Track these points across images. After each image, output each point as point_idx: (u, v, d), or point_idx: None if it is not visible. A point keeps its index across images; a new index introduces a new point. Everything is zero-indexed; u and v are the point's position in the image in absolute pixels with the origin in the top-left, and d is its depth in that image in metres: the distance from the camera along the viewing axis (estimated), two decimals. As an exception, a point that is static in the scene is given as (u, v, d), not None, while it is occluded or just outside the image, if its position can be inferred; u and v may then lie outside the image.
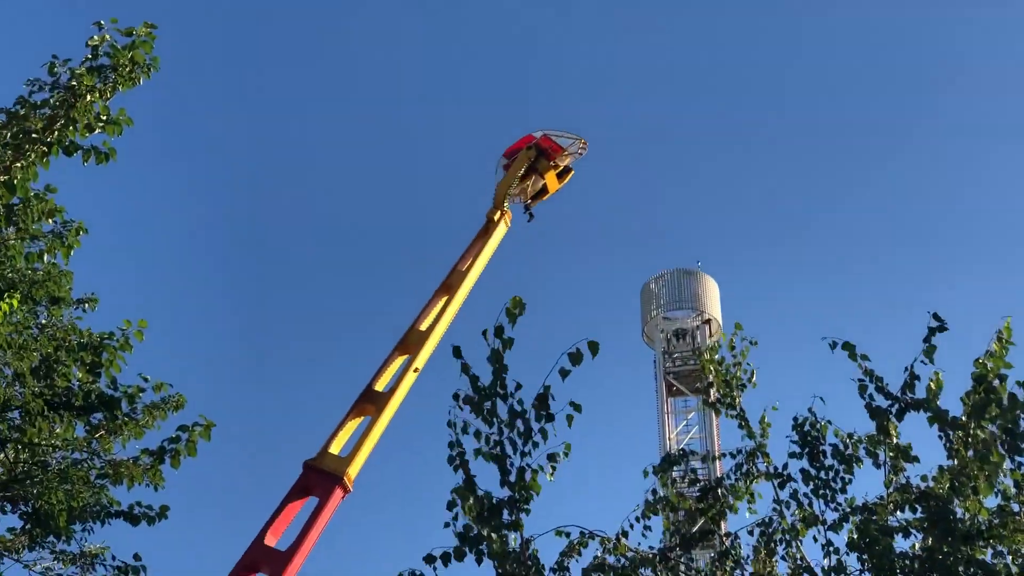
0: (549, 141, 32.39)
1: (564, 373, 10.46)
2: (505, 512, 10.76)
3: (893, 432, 12.03)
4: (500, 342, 10.65)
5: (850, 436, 12.44)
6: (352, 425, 22.23)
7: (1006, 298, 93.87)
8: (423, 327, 22.71)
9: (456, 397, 10.66)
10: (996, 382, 11.50)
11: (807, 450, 12.56)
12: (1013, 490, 12.15)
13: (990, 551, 11.66)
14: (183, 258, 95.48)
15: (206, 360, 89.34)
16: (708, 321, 51.72)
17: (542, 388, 10.60)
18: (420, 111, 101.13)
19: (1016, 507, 12.09)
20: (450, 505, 10.69)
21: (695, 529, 13.10)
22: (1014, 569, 11.45)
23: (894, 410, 11.83)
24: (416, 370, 20.90)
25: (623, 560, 12.63)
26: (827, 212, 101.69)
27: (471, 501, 10.66)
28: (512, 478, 10.68)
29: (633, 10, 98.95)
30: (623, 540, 12.89)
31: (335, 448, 21.79)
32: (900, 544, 11.86)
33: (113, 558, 14.83)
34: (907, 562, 11.58)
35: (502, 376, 10.70)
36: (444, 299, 25.76)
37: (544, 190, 31.36)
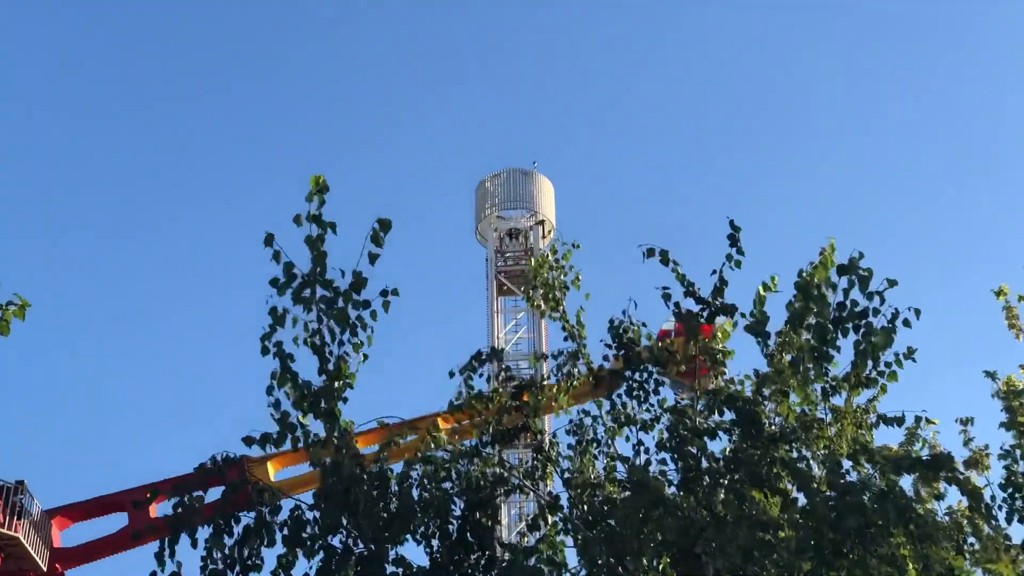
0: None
1: (373, 257, 10.44)
2: (323, 401, 10.78)
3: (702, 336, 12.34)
4: (317, 227, 10.53)
5: (657, 341, 12.71)
6: None
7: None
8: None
9: (274, 283, 10.56)
10: (816, 292, 11.83)
11: (622, 352, 12.81)
12: (819, 397, 12.59)
13: (795, 454, 12.09)
14: None
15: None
16: (542, 222, 52.04)
17: (353, 275, 10.54)
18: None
19: (821, 413, 12.55)
20: (269, 390, 10.66)
21: (509, 425, 13.27)
22: (816, 470, 11.87)
23: (704, 315, 12.10)
24: None
25: (442, 452, 12.76)
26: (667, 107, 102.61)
27: (289, 386, 10.64)
28: (331, 367, 10.69)
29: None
30: (442, 433, 13.03)
31: None
32: (710, 445, 12.23)
33: None
34: (715, 464, 11.94)
35: (322, 263, 10.59)
36: None
37: None
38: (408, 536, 11.65)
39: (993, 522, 10.77)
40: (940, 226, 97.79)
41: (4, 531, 33.21)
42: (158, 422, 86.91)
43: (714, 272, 11.98)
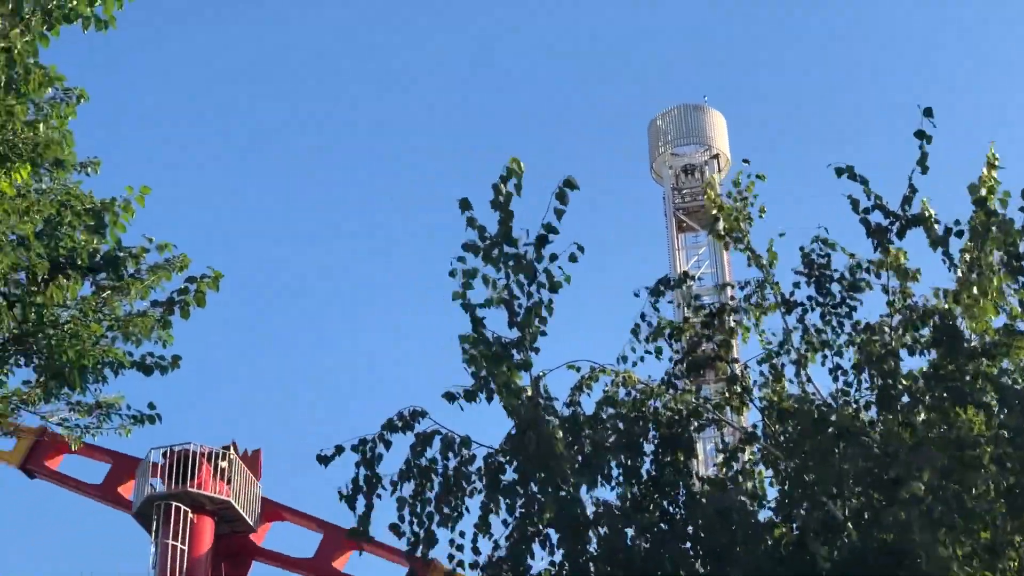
0: None
1: (559, 213, 10.62)
2: (515, 353, 10.94)
3: (894, 253, 12.02)
4: (503, 192, 10.78)
5: (852, 256, 12.43)
6: None
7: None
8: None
9: (466, 247, 10.83)
10: (996, 205, 11.50)
11: (814, 277, 12.57)
12: (1019, 309, 12.20)
13: (996, 369, 11.73)
14: (183, 127, 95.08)
15: (209, 225, 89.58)
16: (716, 156, 51.42)
17: (541, 229, 10.74)
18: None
19: (1021, 325, 12.16)
20: (464, 352, 10.89)
21: (701, 352, 13.14)
22: (1020, 384, 11.52)
23: (894, 228, 11.78)
24: None
25: (634, 392, 12.71)
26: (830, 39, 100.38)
27: (480, 346, 10.85)
28: (519, 318, 10.83)
29: None
30: (632, 373, 12.96)
31: None
32: (907, 364, 11.95)
33: (128, 407, 15.08)
34: (913, 382, 11.67)
35: (508, 224, 10.85)
36: None
37: None
38: (601, 479, 11.72)
39: None
40: None
41: (216, 495, 34.38)
42: (351, 385, 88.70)
43: (909, 181, 11.63)
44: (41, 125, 14.01)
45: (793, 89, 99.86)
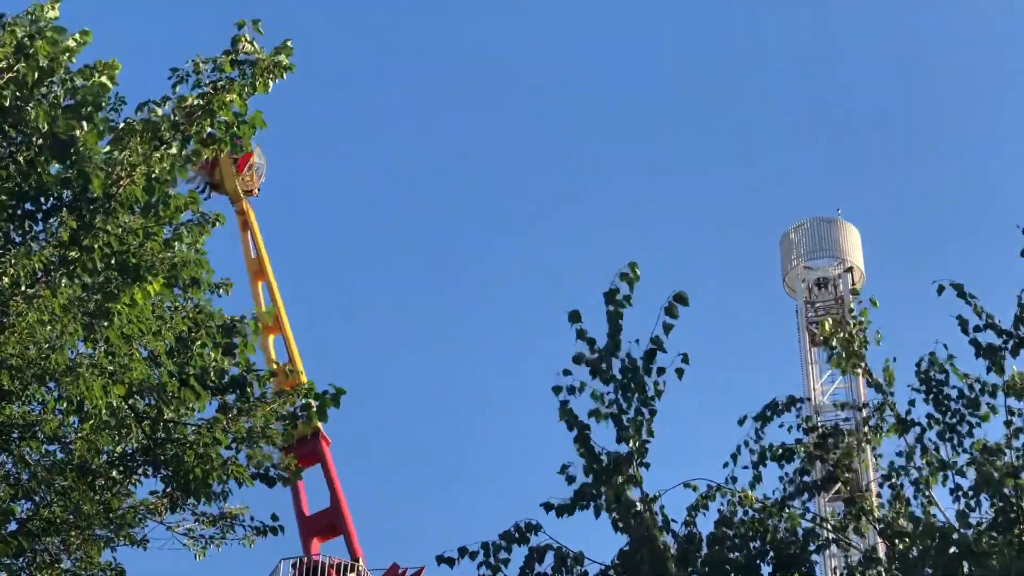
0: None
1: (667, 327, 10.68)
2: (623, 468, 10.98)
3: (1016, 373, 11.91)
4: (614, 305, 10.88)
5: (967, 376, 12.32)
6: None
7: None
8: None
9: (579, 359, 10.91)
10: None
11: (932, 395, 12.47)
12: None
13: None
14: (312, 250, 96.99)
15: (335, 341, 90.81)
16: (850, 269, 51.02)
17: (650, 343, 10.81)
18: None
19: None
20: (563, 468, 10.95)
21: (816, 477, 13.06)
22: None
23: (1009, 346, 11.70)
24: None
25: (751, 512, 12.65)
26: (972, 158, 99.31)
27: (589, 457, 10.90)
28: (627, 432, 10.88)
29: None
30: (750, 492, 12.92)
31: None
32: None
33: (252, 518, 15.46)
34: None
35: (618, 337, 10.91)
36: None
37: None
38: None
39: None
40: None
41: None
42: (455, 492, 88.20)
43: (1019, 297, 11.60)
44: (176, 244, 14.58)
45: (931, 202, 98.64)
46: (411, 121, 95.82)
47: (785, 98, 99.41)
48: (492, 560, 11.48)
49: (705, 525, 12.39)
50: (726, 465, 12.96)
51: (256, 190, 41.54)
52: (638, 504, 11.12)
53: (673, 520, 11.87)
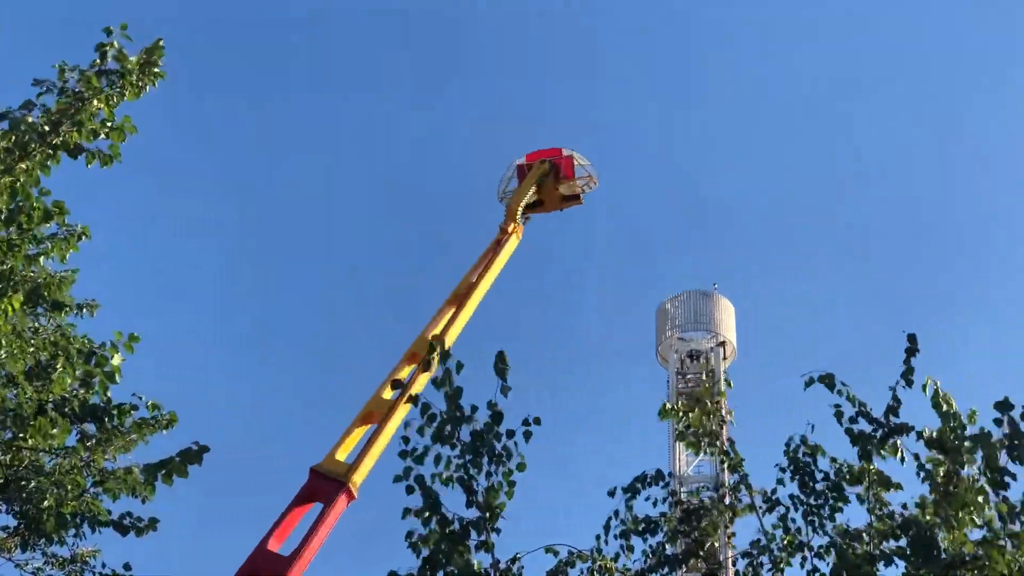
0: (568, 163, 32.85)
1: (505, 390, 10.61)
2: (474, 534, 10.79)
3: (878, 459, 12.04)
4: (450, 387, 10.82)
5: (834, 460, 12.44)
6: (359, 432, 22.18)
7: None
8: (432, 335, 22.76)
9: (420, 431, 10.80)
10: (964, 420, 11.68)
11: (798, 476, 12.55)
12: (998, 523, 12.16)
13: None
14: (187, 265, 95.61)
15: (205, 366, 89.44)
16: (723, 343, 51.63)
17: (491, 409, 10.71)
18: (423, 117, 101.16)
19: (1003, 541, 12.10)
20: (408, 535, 10.74)
21: (679, 551, 13.07)
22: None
23: (878, 435, 11.84)
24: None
25: None
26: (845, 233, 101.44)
27: (434, 524, 10.68)
28: (479, 498, 10.72)
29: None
30: (609, 561, 12.86)
31: (341, 455, 21.74)
32: (884, 573, 11.85)
33: (103, 565, 14.89)
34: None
35: (456, 400, 10.80)
36: (453, 309, 25.89)
37: (540, 204, 32.07)
38: None
39: None
40: None
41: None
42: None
43: (891, 388, 11.77)
44: (41, 259, 14.09)
45: (804, 279, 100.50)
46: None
47: (666, 175, 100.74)
48: None
49: None
50: (599, 537, 12.91)
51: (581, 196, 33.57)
52: (489, 572, 10.96)
53: None
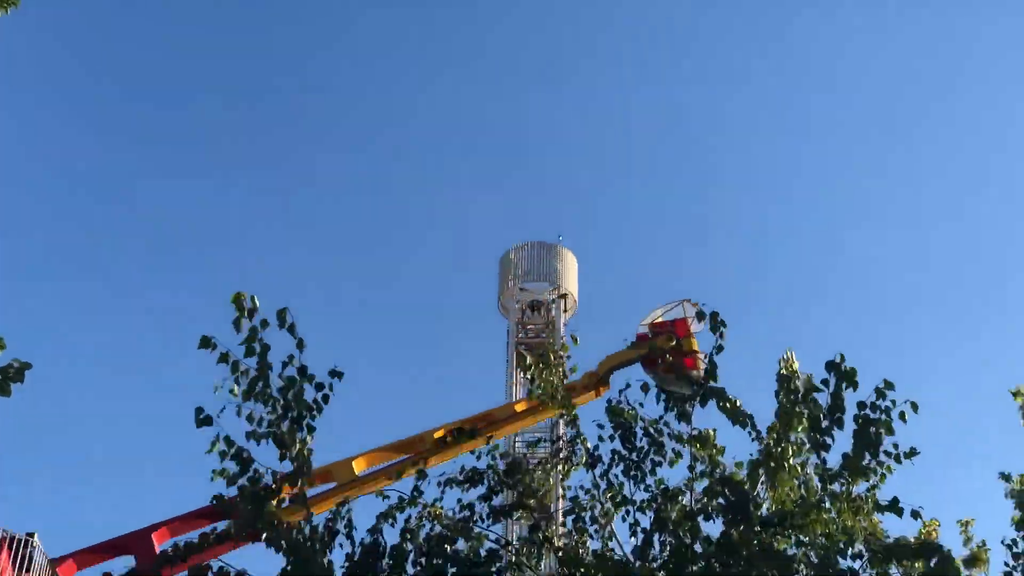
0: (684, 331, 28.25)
1: (300, 344, 10.74)
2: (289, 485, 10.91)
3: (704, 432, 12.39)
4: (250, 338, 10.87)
5: (655, 422, 12.74)
6: None
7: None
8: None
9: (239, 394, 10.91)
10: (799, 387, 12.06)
11: (619, 432, 12.83)
12: (817, 485, 12.60)
13: (794, 541, 12.05)
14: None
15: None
16: (564, 295, 52.09)
17: (289, 360, 10.80)
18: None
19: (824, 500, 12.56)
20: (214, 498, 10.78)
21: (505, 502, 13.28)
22: (814, 559, 11.77)
23: (698, 398, 12.15)
24: None
25: (438, 528, 12.71)
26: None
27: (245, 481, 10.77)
28: (293, 453, 10.81)
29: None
30: (439, 507, 13.01)
31: None
32: (706, 528, 12.19)
33: None
34: (708, 546, 11.89)
35: (265, 357, 10.84)
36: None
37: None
38: None
39: None
40: (952, 325, 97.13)
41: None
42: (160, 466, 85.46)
43: (706, 356, 12.08)
44: None
45: (647, 232, 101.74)
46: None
47: (515, 122, 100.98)
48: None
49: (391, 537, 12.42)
50: (419, 479, 13.05)
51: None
52: (302, 523, 11.10)
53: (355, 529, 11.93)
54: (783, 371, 12.63)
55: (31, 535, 34.68)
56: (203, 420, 10.67)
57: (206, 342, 10.57)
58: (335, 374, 10.85)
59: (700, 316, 12.10)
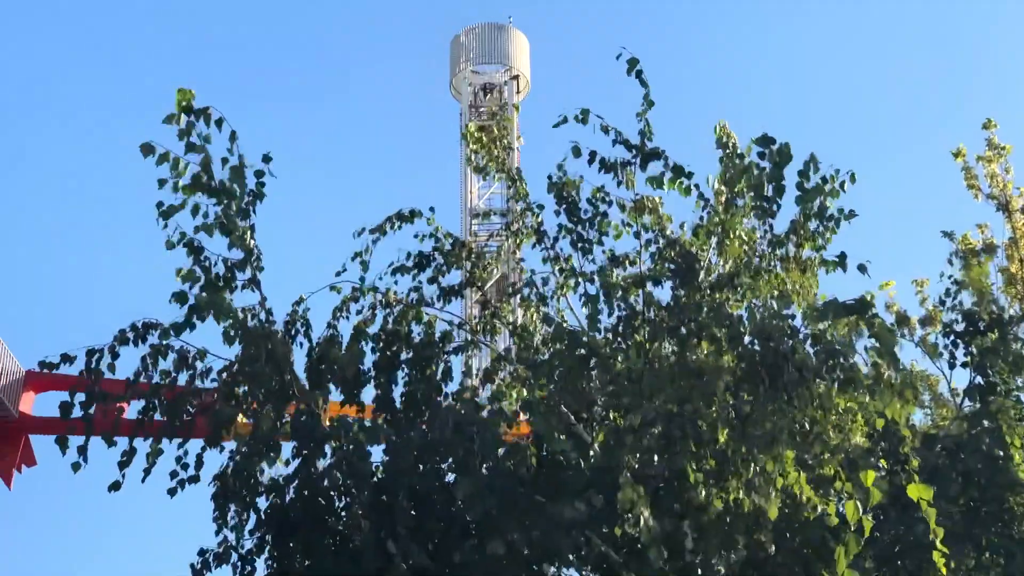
0: None
1: (233, 137, 10.61)
2: (239, 273, 10.86)
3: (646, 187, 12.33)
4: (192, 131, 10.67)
5: (598, 190, 12.68)
6: None
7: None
8: None
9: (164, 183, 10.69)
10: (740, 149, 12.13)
11: (563, 206, 12.78)
12: (767, 249, 12.72)
13: (741, 307, 12.22)
14: None
15: None
16: (516, 77, 51.61)
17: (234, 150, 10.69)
18: None
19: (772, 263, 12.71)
20: (176, 296, 10.74)
21: (455, 283, 13.31)
22: (758, 318, 11.92)
23: (637, 161, 12.04)
24: None
25: (391, 315, 12.72)
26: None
27: (199, 274, 10.73)
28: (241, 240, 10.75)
29: None
30: (392, 292, 13.01)
31: None
32: (657, 294, 12.31)
33: None
34: (658, 311, 11.99)
35: (206, 153, 10.72)
36: None
37: None
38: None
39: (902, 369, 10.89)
40: (895, 88, 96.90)
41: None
42: (78, 290, 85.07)
43: (638, 116, 11.96)
44: None
45: (598, 14, 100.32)
46: None
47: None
48: (93, 364, 11.12)
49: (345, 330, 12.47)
50: (358, 258, 13.01)
51: None
52: (257, 308, 11.09)
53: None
54: (721, 138, 12.62)
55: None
56: (164, 212, 10.59)
57: (148, 148, 10.44)
58: (267, 159, 10.75)
59: (632, 65, 11.86)
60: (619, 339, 12.05)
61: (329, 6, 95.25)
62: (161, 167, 10.51)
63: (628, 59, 11.88)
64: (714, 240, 12.59)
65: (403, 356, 12.31)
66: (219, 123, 10.46)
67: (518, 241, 13.96)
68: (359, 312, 12.66)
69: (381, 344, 12.33)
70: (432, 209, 13.09)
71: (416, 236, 13.15)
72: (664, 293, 12.30)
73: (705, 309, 11.36)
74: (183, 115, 10.49)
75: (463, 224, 46.90)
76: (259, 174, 10.82)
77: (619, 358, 11.53)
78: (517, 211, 14.10)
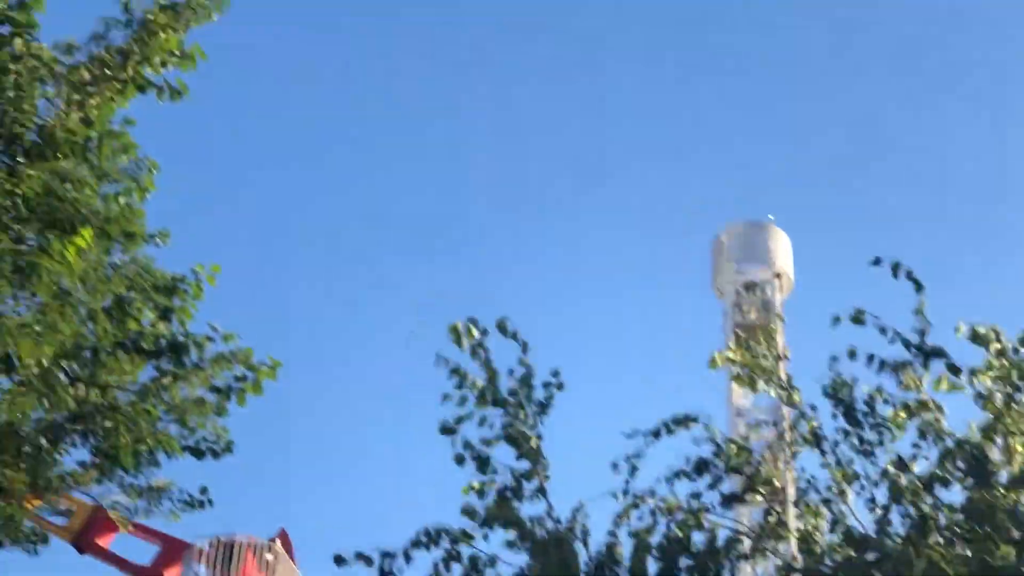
0: None
1: (524, 347, 11.20)
2: (525, 483, 11.18)
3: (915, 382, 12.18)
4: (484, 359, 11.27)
5: (879, 391, 12.54)
6: None
7: None
8: None
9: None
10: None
11: (842, 410, 12.65)
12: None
13: None
14: (258, 196, 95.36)
15: (278, 305, 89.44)
16: (779, 275, 51.49)
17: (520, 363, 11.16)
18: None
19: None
20: (466, 511, 11.06)
21: (735, 490, 13.25)
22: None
23: (918, 361, 11.93)
24: None
25: (671, 523, 12.69)
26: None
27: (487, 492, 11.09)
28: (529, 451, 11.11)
29: None
30: (671, 499, 12.99)
31: None
32: (945, 496, 12.02)
33: (179, 491, 15.23)
34: (950, 512, 11.72)
35: (492, 369, 11.44)
36: None
37: None
38: None
39: None
40: None
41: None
42: (385, 490, 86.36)
43: (916, 312, 11.90)
44: (116, 201, 14.00)
45: (860, 210, 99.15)
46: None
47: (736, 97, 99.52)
48: (387, 567, 11.50)
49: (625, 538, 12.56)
50: (632, 459, 13.08)
51: None
52: (546, 518, 11.33)
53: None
54: (987, 335, 12.34)
55: (273, 540, 35.59)
56: (446, 429, 11.09)
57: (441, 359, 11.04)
58: (556, 374, 11.21)
59: (895, 270, 11.96)
60: (911, 544, 11.80)
61: (599, 203, 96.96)
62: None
63: (891, 264, 11.93)
64: (999, 439, 12.27)
65: (682, 563, 12.29)
66: (515, 335, 10.93)
67: (793, 450, 13.85)
68: (640, 518, 12.72)
69: (663, 552, 12.33)
70: (695, 420, 13.16)
71: (694, 441, 13.17)
72: (952, 495, 12.05)
73: (999, 510, 11.05)
74: (472, 328, 11.01)
75: (731, 426, 46.30)
76: (546, 385, 11.19)
77: (913, 563, 11.27)
78: (789, 419, 14.02)
